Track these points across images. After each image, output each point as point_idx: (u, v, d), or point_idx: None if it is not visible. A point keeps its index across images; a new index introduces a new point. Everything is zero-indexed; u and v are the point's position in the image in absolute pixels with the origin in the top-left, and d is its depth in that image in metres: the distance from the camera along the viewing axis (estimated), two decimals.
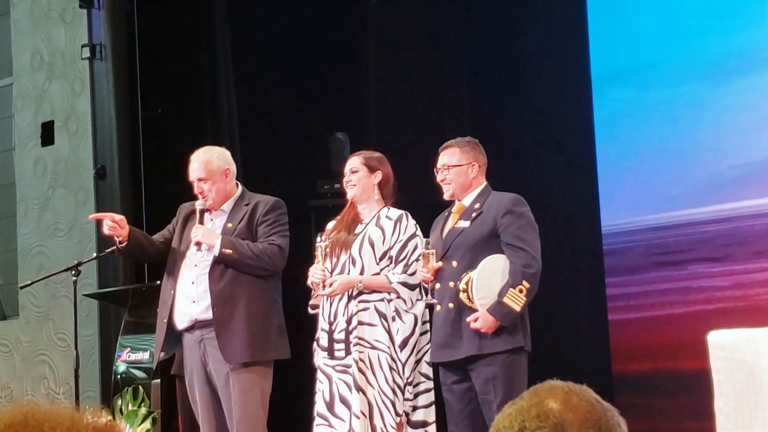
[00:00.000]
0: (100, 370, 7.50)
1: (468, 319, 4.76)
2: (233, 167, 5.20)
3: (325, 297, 5.15)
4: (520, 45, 7.57)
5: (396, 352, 5.05)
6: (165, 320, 5.08)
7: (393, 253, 5.14)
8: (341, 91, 7.68)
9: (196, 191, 5.12)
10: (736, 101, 6.63)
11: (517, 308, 4.71)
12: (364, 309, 5.08)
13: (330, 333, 5.11)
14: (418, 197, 5.48)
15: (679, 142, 6.91)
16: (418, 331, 5.06)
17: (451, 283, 4.83)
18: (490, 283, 4.75)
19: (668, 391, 6.75)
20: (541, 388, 1.64)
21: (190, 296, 5.03)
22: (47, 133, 8.14)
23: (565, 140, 7.38)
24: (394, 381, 5.02)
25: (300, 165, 7.35)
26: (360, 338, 5.04)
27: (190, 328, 5.05)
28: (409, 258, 5.10)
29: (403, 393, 5.05)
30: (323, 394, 5.11)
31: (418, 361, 5.10)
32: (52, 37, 8.16)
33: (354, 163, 5.29)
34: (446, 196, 5.03)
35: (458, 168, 4.97)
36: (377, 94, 7.73)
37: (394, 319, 5.08)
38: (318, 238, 5.24)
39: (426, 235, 5.09)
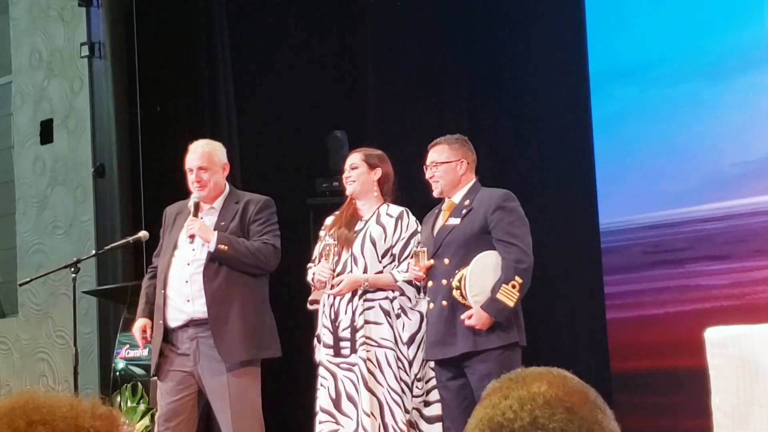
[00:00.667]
0: (99, 367, 7.51)
1: (462, 316, 4.75)
2: (228, 165, 5.21)
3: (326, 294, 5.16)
4: (519, 43, 7.57)
5: (402, 350, 5.05)
6: (161, 322, 5.03)
7: (396, 250, 5.14)
8: (339, 89, 7.68)
9: (193, 180, 5.06)
10: (734, 99, 6.63)
11: (511, 304, 4.71)
12: (370, 308, 5.08)
13: (334, 331, 5.11)
14: (416, 195, 5.48)
15: (677, 140, 6.90)
16: (424, 327, 5.05)
17: (444, 281, 4.83)
18: (483, 279, 4.75)
19: (666, 388, 6.75)
20: (526, 376, 1.57)
21: (184, 295, 4.99)
22: (46, 132, 8.14)
23: (563, 138, 7.38)
24: (401, 378, 5.02)
25: (298, 163, 7.34)
26: (367, 337, 5.04)
27: (184, 327, 5.02)
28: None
29: (411, 390, 5.05)
30: (329, 391, 5.09)
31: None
32: (51, 36, 8.16)
33: (354, 159, 5.30)
34: (435, 194, 5.02)
35: (447, 165, 4.97)
36: (375, 92, 7.72)
37: (398, 317, 5.08)
38: (327, 237, 5.22)
39: None
